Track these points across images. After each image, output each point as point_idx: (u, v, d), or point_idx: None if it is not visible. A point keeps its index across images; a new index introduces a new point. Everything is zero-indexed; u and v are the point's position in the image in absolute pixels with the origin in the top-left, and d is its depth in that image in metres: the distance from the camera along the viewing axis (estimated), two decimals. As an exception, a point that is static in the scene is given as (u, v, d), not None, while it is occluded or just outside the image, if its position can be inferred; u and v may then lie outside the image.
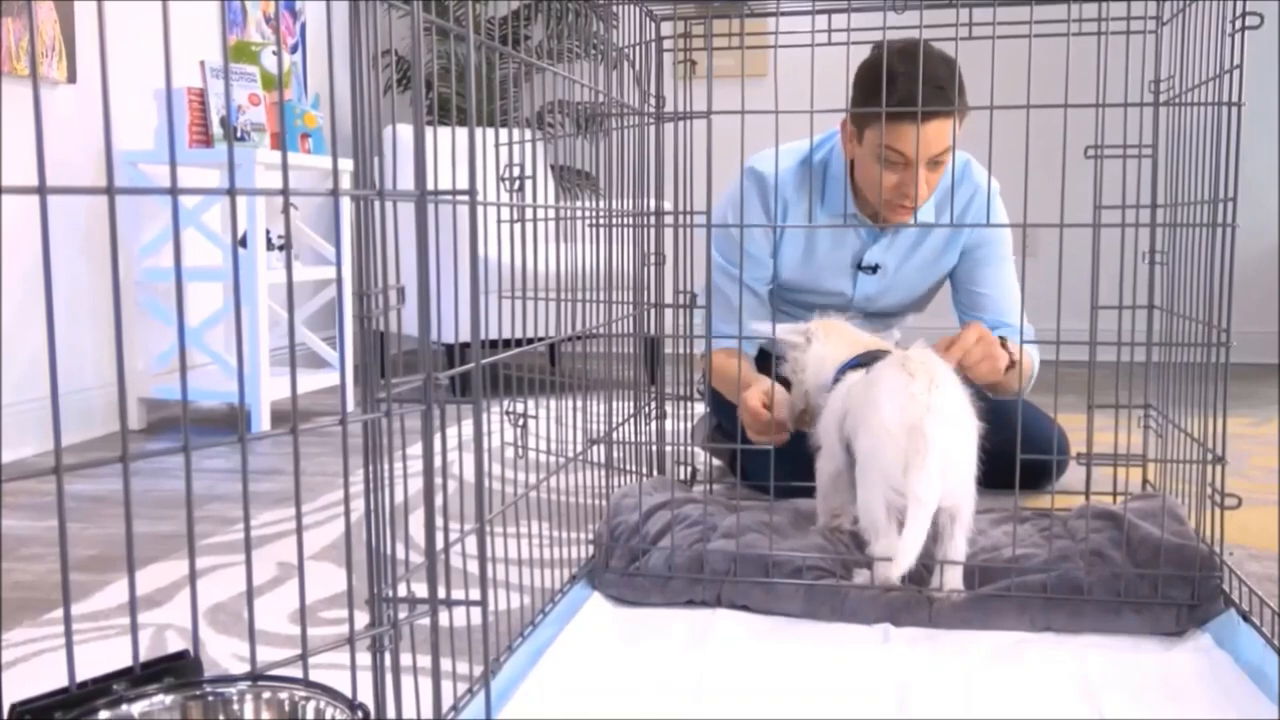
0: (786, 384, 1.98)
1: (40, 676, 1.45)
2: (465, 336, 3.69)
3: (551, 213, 1.92)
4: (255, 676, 0.94)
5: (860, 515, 1.65)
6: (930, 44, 1.85)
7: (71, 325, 3.04)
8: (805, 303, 2.35)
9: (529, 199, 2.76)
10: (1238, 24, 1.50)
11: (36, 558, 2.00)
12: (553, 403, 1.89)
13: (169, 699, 0.91)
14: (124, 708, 0.89)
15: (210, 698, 0.92)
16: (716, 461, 2.56)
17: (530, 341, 1.57)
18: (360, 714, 0.92)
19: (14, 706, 0.85)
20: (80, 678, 0.89)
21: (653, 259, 2.13)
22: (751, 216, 2.24)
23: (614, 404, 1.99)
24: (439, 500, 1.77)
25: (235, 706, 0.93)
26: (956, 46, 1.62)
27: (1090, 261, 1.64)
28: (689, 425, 2.43)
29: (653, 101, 2.11)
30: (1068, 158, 1.56)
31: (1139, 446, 1.89)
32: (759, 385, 2.09)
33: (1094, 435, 1.67)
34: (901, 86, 1.89)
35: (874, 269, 2.32)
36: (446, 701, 1.20)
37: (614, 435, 2.00)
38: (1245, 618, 1.50)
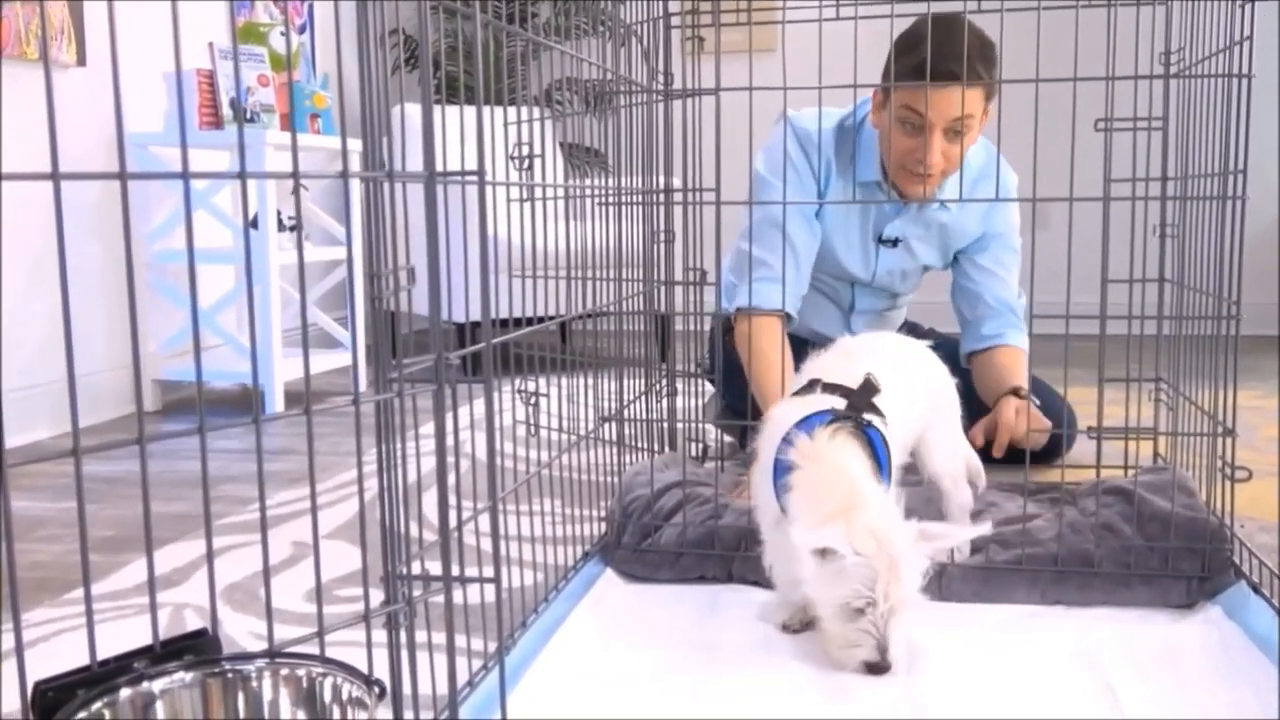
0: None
1: (61, 656, 1.46)
2: (476, 316, 3.70)
3: (561, 191, 1.92)
4: (273, 654, 0.95)
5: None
6: (973, 21, 1.84)
7: (82, 308, 3.05)
8: (823, 275, 2.33)
9: (538, 178, 2.76)
10: (1248, -6, 1.49)
11: (54, 538, 2.02)
12: (564, 381, 1.90)
13: (189, 676, 0.92)
14: (145, 685, 0.90)
15: (229, 674, 0.94)
16: (728, 438, 2.57)
17: (541, 320, 1.58)
18: (376, 689, 0.93)
19: (38, 684, 0.86)
20: (100, 656, 0.90)
21: (663, 236, 2.13)
22: (795, 170, 2.21)
23: (625, 382, 2.00)
24: (451, 479, 1.79)
25: (254, 683, 0.94)
26: (965, 20, 1.62)
27: (1100, 235, 1.64)
28: (700, 402, 2.43)
29: (661, 78, 2.11)
30: (1077, 130, 1.55)
31: (1150, 420, 1.89)
32: None
33: (1105, 409, 1.68)
34: (925, 49, 1.89)
35: (894, 243, 2.30)
36: (461, 677, 1.21)
37: (625, 413, 2.01)
38: (1255, 590, 1.51)
